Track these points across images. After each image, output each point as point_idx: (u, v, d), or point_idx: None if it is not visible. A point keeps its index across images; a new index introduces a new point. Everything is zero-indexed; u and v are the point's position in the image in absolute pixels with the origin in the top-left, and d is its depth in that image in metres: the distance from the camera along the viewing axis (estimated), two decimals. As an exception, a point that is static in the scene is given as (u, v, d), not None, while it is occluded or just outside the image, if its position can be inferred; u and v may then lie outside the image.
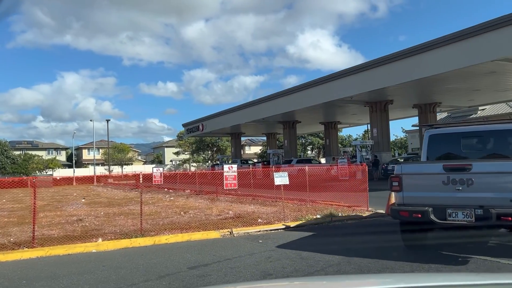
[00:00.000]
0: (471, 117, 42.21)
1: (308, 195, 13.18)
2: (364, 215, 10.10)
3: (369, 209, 10.88)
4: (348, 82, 24.90)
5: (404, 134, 62.62)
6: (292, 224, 9.22)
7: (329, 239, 7.81)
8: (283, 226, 9.05)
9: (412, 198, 6.17)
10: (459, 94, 26.82)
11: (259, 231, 8.70)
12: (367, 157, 28.35)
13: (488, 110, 41.44)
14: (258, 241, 7.75)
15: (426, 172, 6.40)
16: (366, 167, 12.47)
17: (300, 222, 9.44)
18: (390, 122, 37.78)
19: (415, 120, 36.90)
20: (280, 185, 9.91)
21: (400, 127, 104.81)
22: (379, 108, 28.55)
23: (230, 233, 8.42)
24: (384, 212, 10.47)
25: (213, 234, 8.36)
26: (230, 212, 11.46)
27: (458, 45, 18.44)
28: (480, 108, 41.58)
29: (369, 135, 31.23)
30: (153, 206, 14.93)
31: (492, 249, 6.79)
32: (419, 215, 5.93)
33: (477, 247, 6.62)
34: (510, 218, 5.53)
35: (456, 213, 5.78)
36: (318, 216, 9.95)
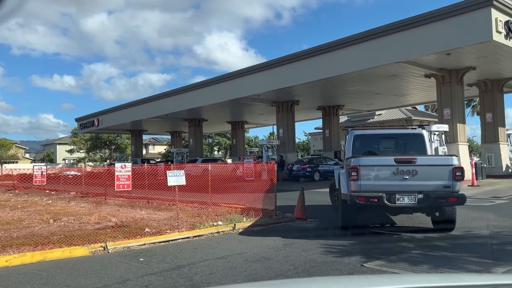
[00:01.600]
0: (369, 121, 44.52)
1: (210, 198, 11.63)
2: (271, 220, 8.82)
3: (277, 212, 9.67)
4: (256, 79, 23.94)
5: (306, 137, 64.86)
6: (187, 234, 7.57)
7: (230, 257, 6.31)
8: (175, 237, 7.36)
9: (367, 186, 7.13)
10: (361, 97, 27.50)
11: (144, 244, 6.90)
12: (273, 157, 27.72)
13: (384, 115, 43.99)
14: (139, 259, 5.96)
15: (380, 164, 7.39)
16: (275, 166, 11.31)
17: (197, 230, 7.83)
18: (298, 123, 37.84)
19: (319, 122, 37.58)
20: (175, 186, 8.19)
21: (303, 130, 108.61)
22: (285, 108, 28.13)
23: (104, 249, 6.49)
24: (293, 216, 9.34)
25: (80, 251, 6.35)
26: (113, 219, 9.40)
27: (363, 45, 18.40)
28: (377, 113, 43.97)
29: (274, 136, 30.80)
30: (20, 211, 12.14)
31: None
32: (375, 200, 6.95)
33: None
34: (444, 200, 7.02)
35: (403, 198, 6.98)
36: (220, 223, 8.43)
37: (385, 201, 6.93)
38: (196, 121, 36.58)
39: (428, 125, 8.79)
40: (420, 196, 6.92)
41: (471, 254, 5.81)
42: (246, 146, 58.03)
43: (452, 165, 7.23)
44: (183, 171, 7.98)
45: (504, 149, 22.34)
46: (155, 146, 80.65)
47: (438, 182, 7.05)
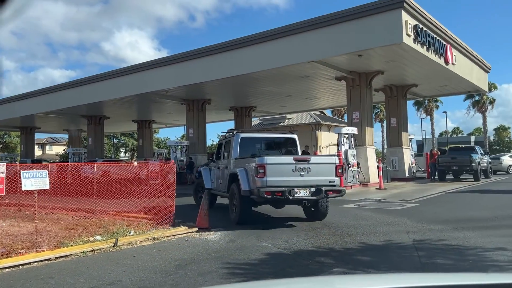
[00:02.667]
0: (280, 124, 44.68)
1: (95, 204, 9.66)
2: (165, 233, 7.21)
3: (176, 221, 8.10)
4: (163, 74, 22.03)
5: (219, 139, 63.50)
6: (48, 255, 5.69)
7: None
8: (29, 259, 5.45)
9: (272, 182, 7.88)
10: (274, 99, 26.96)
11: (-23, 273, 4.91)
12: (182, 159, 25.94)
13: (294, 119, 44.49)
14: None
15: (283, 163, 8.21)
16: (175, 166, 9.74)
17: (64, 249, 5.97)
18: (208, 124, 36.40)
19: (232, 124, 36.45)
20: (35, 192, 6.21)
21: (216, 133, 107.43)
22: (196, 107, 26.53)
23: None
24: (194, 225, 7.87)
25: None
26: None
27: (275, 43, 17.63)
28: (288, 116, 44.31)
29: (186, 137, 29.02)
30: None
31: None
32: (280, 194, 7.76)
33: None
34: (331, 192, 8.16)
35: (300, 191, 7.96)
36: (98, 238, 6.64)
37: (287, 195, 7.79)
38: (97, 119, 33.26)
39: (297, 131, 11.00)
40: (313, 189, 8.02)
41: (400, 270, 4.87)
42: (155, 147, 55.04)
43: (335, 163, 8.49)
44: (46, 171, 6.05)
45: (406, 153, 23.20)
46: (53, 146, 73.46)
47: (326, 177, 8.24)
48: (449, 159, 21.57)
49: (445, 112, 47.99)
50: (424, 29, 15.91)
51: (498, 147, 65.06)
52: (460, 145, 29.89)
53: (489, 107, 49.36)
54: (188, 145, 26.56)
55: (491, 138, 71.19)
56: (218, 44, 19.88)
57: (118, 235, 6.70)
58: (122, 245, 6.39)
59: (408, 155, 23.41)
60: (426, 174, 25.28)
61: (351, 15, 15.58)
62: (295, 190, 7.85)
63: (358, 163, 18.71)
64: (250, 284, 2.47)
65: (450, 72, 19.34)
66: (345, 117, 55.06)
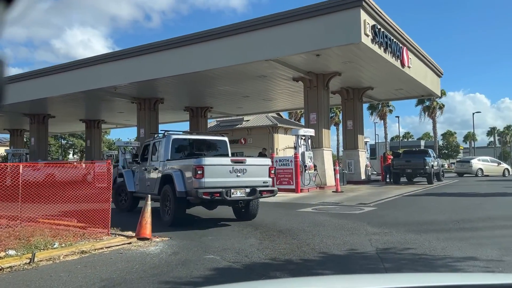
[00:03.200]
0: (237, 127, 43.94)
1: (20, 210, 8.41)
2: (96, 245, 6.17)
3: (111, 231, 7.08)
4: (113, 69, 20.66)
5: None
6: None
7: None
8: None
9: (210, 183, 7.95)
10: (230, 99, 26.16)
11: None
12: (131, 161, 24.48)
13: (252, 121, 43.91)
14: None
15: (221, 164, 8.32)
16: (111, 168, 8.66)
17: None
18: (162, 125, 34.93)
19: (187, 125, 35.18)
20: None
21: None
22: (148, 107, 25.21)
23: None
24: (134, 236, 6.89)
25: None
26: None
27: (232, 39, 16.91)
28: (245, 118, 43.66)
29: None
30: None
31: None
32: (218, 195, 7.86)
33: None
34: (265, 192, 8.52)
35: (237, 192, 8.14)
36: (11, 253, 5.52)
37: (225, 196, 7.89)
38: (40, 117, 31.00)
39: (228, 133, 11.82)
40: (248, 190, 8.25)
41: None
42: (106, 149, 52.54)
43: (268, 165, 8.83)
44: None
45: (362, 156, 23.14)
46: (-5, 147, 68.49)
47: (260, 178, 8.56)
48: (403, 162, 21.67)
49: (398, 117, 49.29)
50: (382, 30, 15.74)
51: (446, 151, 67.83)
52: (414, 148, 30.41)
53: (439, 112, 51.30)
54: (138, 146, 25.14)
55: (440, 143, 74.18)
56: (171, 39, 18.85)
57: (37, 249, 5.62)
58: (40, 260, 5.32)
59: (364, 158, 23.37)
60: (380, 177, 25.42)
61: (309, 12, 15.12)
62: (232, 190, 8.03)
63: (315, 166, 18.29)
64: (250, 284, 2.40)
65: (406, 75, 19.41)
66: (302, 120, 55.26)
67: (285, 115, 51.22)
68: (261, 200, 14.47)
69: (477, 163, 30.35)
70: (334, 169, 19.91)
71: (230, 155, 10.21)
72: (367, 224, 8.35)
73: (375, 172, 26.53)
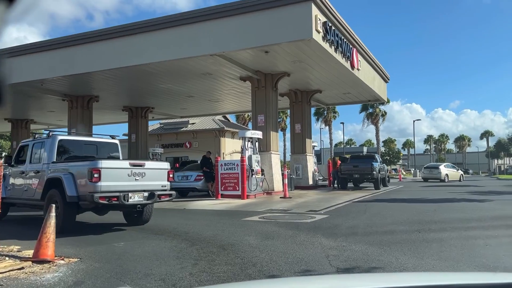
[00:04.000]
0: (182, 129, 42.10)
1: None
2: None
3: (2, 252, 5.45)
4: (38, 61, 18.35)
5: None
6: None
7: None
8: None
9: (107, 186, 7.68)
10: (173, 99, 24.53)
11: None
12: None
13: (198, 124, 42.28)
14: None
15: (119, 167, 8.16)
16: (1, 169, 7.01)
17: None
18: (99, 127, 32.62)
19: (125, 127, 32.79)
20: None
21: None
22: (80, 105, 22.96)
23: None
24: (30, 258, 5.32)
25: None
26: None
27: (175, 31, 15.45)
28: (191, 121, 41.95)
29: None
30: None
31: None
32: (116, 199, 7.66)
33: None
34: (164, 196, 8.60)
35: (134, 196, 8.00)
36: None
37: (122, 200, 7.64)
38: (-45, 115, 27.48)
39: (118, 136, 10.73)
40: (147, 194, 8.14)
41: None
42: (37, 152, 48.27)
43: (167, 169, 8.82)
44: None
45: (310, 160, 22.47)
46: None
47: (159, 182, 8.48)
48: (351, 167, 21.25)
49: (342, 123, 49.63)
50: (333, 28, 15.05)
51: (388, 157, 69.96)
52: (360, 153, 30.39)
53: (381, 119, 52.54)
54: (70, 148, 22.78)
55: (382, 149, 76.56)
56: (106, 29, 17.04)
57: None
58: None
59: (311, 163, 22.71)
60: (327, 182, 24.94)
61: (258, 5, 14.06)
62: (130, 194, 7.84)
63: (262, 170, 17.24)
64: (250, 283, 2.34)
65: (355, 78, 18.96)
66: (250, 125, 54.41)
67: (232, 119, 50.12)
68: (204, 208, 13.20)
69: (444, 169, 31.99)
70: (282, 174, 18.99)
71: (121, 158, 10.14)
72: (321, 235, 7.32)
73: (322, 177, 25.98)
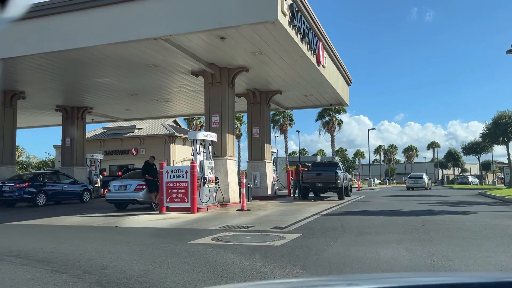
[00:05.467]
0: (128, 135, 38.68)
1: None
2: None
3: None
4: None
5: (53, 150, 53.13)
6: None
7: None
8: None
9: None
10: (114, 97, 21.57)
11: None
12: None
13: (146, 129, 39.06)
14: None
15: None
16: None
17: None
18: (26, 130, 28.83)
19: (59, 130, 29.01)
20: None
21: (52, 145, 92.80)
22: (1, 102, 19.43)
23: None
24: None
25: None
26: None
27: (111, 9, 12.76)
28: (138, 126, 38.67)
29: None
30: None
31: None
32: None
33: None
34: None
35: None
36: None
37: None
38: None
39: None
40: None
41: None
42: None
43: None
44: None
45: (269, 168, 20.33)
46: None
47: None
48: (313, 175, 19.32)
49: (298, 131, 47.90)
50: (300, 13, 13.05)
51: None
52: (323, 161, 28.74)
53: (337, 128, 51.73)
54: (-14, 153, 19.16)
55: (337, 158, 76.30)
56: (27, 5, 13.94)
57: None
58: None
59: (271, 170, 20.58)
60: (287, 191, 22.92)
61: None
62: None
63: (216, 178, 14.82)
64: (250, 283, 2.03)
65: (320, 76, 17.12)
66: (202, 130, 51.70)
67: (183, 124, 47.20)
68: (142, 225, 10.55)
69: (426, 179, 35.72)
70: (240, 183, 16.67)
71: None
72: (301, 268, 5.05)
73: (279, 187, 23.97)
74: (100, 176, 25.76)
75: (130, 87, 19.16)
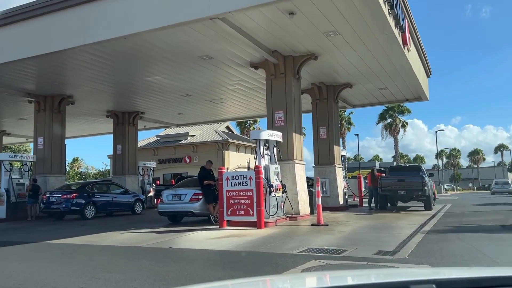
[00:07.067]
0: (181, 142, 37.39)
1: None
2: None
3: None
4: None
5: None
6: None
7: None
8: None
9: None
10: (166, 100, 19.86)
11: None
12: (23, 181, 17.34)
13: (198, 136, 37.59)
14: None
15: None
16: None
17: None
18: (92, 140, 28.03)
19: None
20: None
21: (107, 154, 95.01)
22: (50, 107, 18.30)
23: None
24: None
25: None
26: None
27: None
28: (190, 133, 37.29)
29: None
30: None
31: None
32: None
33: None
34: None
35: None
36: None
37: None
38: None
39: None
40: None
41: None
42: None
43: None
44: None
45: (339, 173, 17.61)
46: None
47: None
48: (395, 182, 16.35)
49: (357, 135, 43.86)
50: (388, -23, 10.41)
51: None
52: (402, 164, 25.50)
53: (401, 130, 47.66)
54: (35, 161, 18.03)
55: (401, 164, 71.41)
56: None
57: None
58: None
59: (341, 177, 17.83)
60: (358, 200, 20.01)
61: None
62: None
63: (283, 186, 12.39)
64: (250, 280, 2.14)
65: (404, 61, 14.24)
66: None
67: (236, 130, 45.45)
68: (201, 247, 8.29)
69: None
70: (310, 191, 14.21)
71: None
72: None
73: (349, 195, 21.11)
74: (153, 185, 24.23)
75: (183, 86, 17.30)
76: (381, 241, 8.20)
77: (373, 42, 12.61)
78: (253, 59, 13.95)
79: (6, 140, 29.27)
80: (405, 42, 13.04)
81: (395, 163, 44.88)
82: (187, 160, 36.60)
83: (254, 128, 50.01)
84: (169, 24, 10.52)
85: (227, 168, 34.84)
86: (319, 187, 11.96)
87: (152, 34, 11.39)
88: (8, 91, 16.97)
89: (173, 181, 26.73)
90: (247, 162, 38.55)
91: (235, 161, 37.01)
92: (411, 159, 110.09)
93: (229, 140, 35.95)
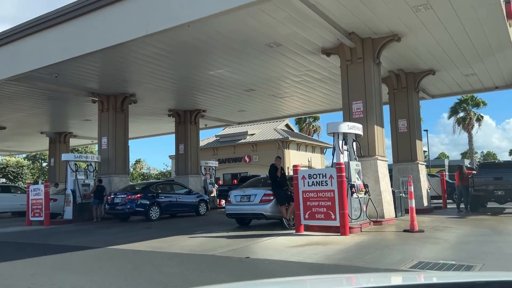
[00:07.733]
0: (240, 141, 36.66)
1: None
2: None
3: None
4: (41, 42, 13.43)
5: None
6: None
7: None
8: None
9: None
10: (228, 97, 18.96)
11: None
12: (87, 182, 17.17)
13: (257, 135, 36.65)
14: None
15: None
16: None
17: None
18: (153, 142, 28.00)
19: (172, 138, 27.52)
20: None
21: (168, 155, 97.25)
22: (112, 107, 18.04)
23: None
24: None
25: None
26: None
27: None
28: (249, 132, 36.45)
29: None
30: None
31: None
32: None
33: None
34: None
35: None
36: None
37: None
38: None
39: None
40: None
41: None
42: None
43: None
44: None
45: (423, 171, 15.67)
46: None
47: None
48: (490, 180, 14.17)
49: (426, 131, 40.53)
50: None
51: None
52: (495, 160, 22.88)
53: (476, 124, 43.64)
54: (99, 162, 17.84)
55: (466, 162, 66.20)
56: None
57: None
58: None
59: (424, 175, 15.87)
60: (442, 202, 17.83)
61: None
62: None
63: (366, 186, 10.84)
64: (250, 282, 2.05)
65: (505, 37, 12.13)
66: (315, 136, 47.80)
67: (295, 128, 44.02)
68: (281, 257, 6.95)
69: None
70: (394, 191, 12.58)
71: None
72: None
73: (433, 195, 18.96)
74: (216, 185, 23.50)
75: (246, 80, 16.25)
76: (505, 252, 6.50)
77: (471, 15, 10.71)
78: (325, 44, 12.54)
79: (72, 142, 29.96)
80: (510, 15, 10.99)
81: (465, 161, 40.94)
82: (247, 159, 35.79)
83: (313, 126, 48.28)
84: (238, 5, 9.39)
85: (287, 167, 33.59)
86: (411, 186, 10.30)
87: (218, 20, 10.36)
88: (73, 90, 16.87)
89: (235, 181, 25.92)
90: (309, 160, 37.02)
91: (296, 160, 35.56)
92: (483, 155, 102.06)
93: (289, 138, 34.65)
